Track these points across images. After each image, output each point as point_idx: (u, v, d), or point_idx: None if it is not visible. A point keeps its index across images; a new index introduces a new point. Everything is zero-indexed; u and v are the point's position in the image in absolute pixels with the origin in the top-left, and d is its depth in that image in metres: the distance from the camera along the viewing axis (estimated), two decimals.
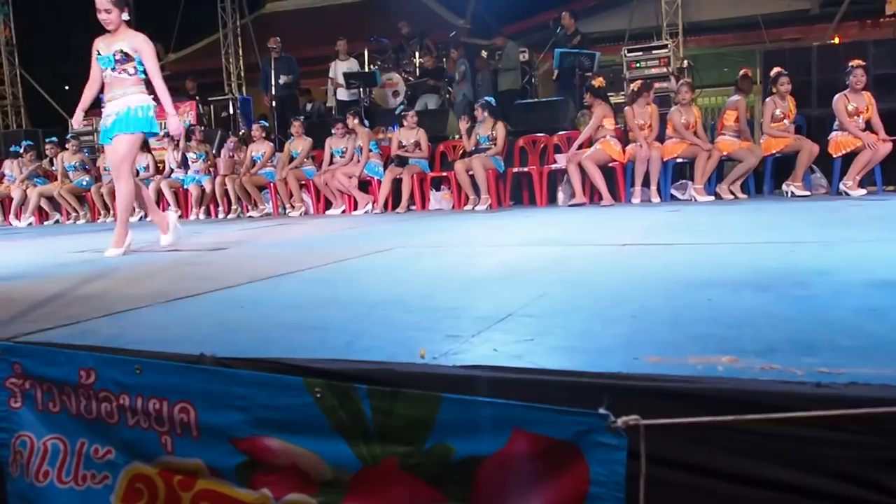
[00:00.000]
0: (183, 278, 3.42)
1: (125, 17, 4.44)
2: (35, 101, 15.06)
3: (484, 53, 11.21)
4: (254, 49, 13.58)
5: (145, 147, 10.02)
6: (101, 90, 4.59)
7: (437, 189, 8.68)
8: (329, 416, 1.55)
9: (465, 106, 10.02)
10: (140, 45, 4.47)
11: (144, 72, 4.50)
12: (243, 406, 1.64)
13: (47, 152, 10.32)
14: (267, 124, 10.07)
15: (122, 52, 4.42)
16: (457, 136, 9.31)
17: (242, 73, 14.98)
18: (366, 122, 9.14)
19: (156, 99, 4.63)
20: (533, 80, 11.24)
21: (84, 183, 9.74)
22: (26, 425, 1.92)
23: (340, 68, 10.81)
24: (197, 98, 11.88)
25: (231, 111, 11.78)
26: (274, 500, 1.63)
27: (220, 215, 9.16)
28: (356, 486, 1.56)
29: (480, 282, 2.84)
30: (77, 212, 9.79)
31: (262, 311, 2.41)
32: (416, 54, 11.35)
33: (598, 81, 7.90)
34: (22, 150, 10.18)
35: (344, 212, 8.54)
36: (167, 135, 10.06)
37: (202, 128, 10.22)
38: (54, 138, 10.54)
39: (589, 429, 1.33)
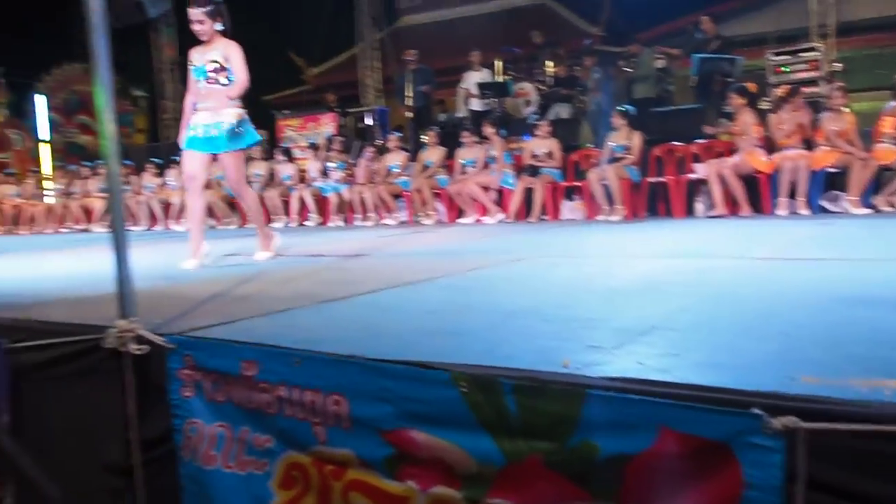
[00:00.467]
0: (327, 282, 3.60)
1: (218, 27, 4.38)
2: None
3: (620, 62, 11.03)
4: (390, 61, 14.04)
5: (288, 157, 10.61)
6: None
7: (570, 199, 8.62)
8: (475, 410, 1.60)
9: (598, 115, 9.90)
10: (231, 53, 4.38)
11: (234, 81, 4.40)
12: (391, 398, 1.72)
13: None
14: (402, 134, 10.37)
15: (214, 62, 4.36)
16: (589, 146, 9.22)
17: (379, 85, 15.51)
18: (503, 131, 9.23)
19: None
20: (670, 88, 10.93)
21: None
22: (196, 413, 2.10)
23: (473, 79, 10.97)
24: (337, 109, 12.42)
25: (369, 122, 12.23)
26: (420, 492, 1.70)
27: (358, 222, 9.53)
28: (501, 481, 1.59)
29: (618, 293, 2.81)
30: (230, 217, 10.50)
31: (404, 316, 2.52)
32: (549, 63, 11.33)
33: (752, 86, 7.58)
34: (168, 161, 11.05)
35: (476, 221, 8.66)
36: (312, 145, 10.61)
37: (342, 138, 10.68)
38: None
39: (742, 429, 1.30)
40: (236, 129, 4.36)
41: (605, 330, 2.05)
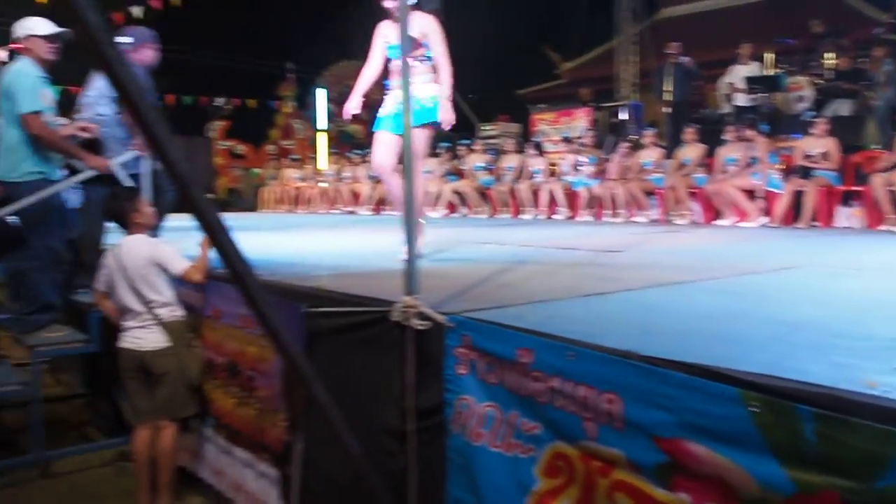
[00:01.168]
0: (586, 277, 3.59)
1: (412, 0, 3.86)
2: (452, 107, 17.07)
3: None
4: (648, 55, 13.63)
5: (539, 150, 10.72)
6: (386, 76, 4.23)
7: (847, 205, 7.75)
8: (764, 432, 1.50)
9: (887, 112, 8.77)
10: (427, 27, 4.01)
11: (432, 58, 4.09)
12: (671, 407, 1.67)
13: (459, 153, 11.66)
14: (657, 130, 10.02)
15: (410, 38, 3.95)
16: (874, 147, 8.21)
17: (636, 80, 15.12)
18: (764, 129, 8.56)
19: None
20: None
21: (487, 181, 10.78)
22: (468, 390, 2.21)
23: (741, 72, 10.26)
24: (591, 104, 12.32)
25: (623, 117, 11.98)
26: None
27: (607, 218, 9.40)
28: None
29: None
30: (481, 206, 10.90)
31: (674, 318, 2.43)
32: (828, 55, 10.26)
33: None
34: (440, 151, 11.67)
35: (734, 223, 8.12)
36: (566, 138, 10.64)
37: (594, 133, 10.58)
38: (466, 141, 11.87)
39: None
40: (421, 105, 4.04)
41: None
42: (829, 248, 5.37)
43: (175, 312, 3.76)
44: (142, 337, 3.68)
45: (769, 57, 10.73)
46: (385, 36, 4.15)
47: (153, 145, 1.25)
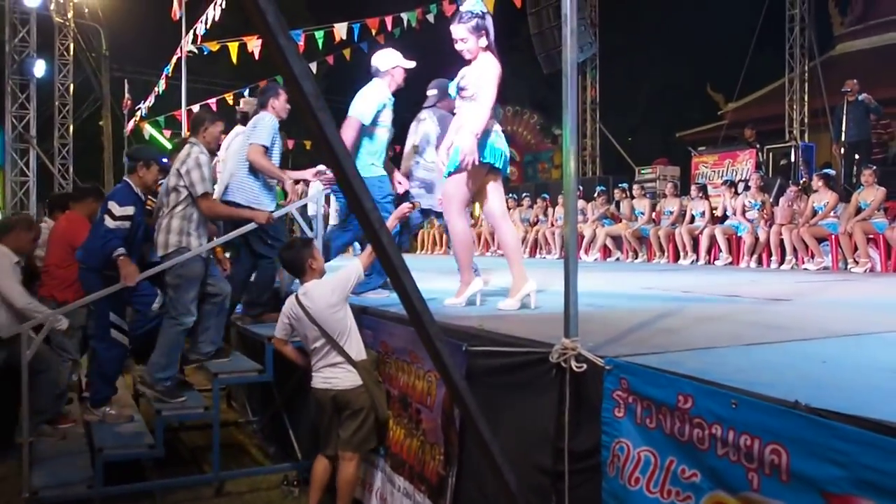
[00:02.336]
0: (751, 325, 3.47)
1: (482, 42, 3.87)
2: (607, 150, 17.00)
3: None
4: (821, 92, 12.91)
5: (703, 193, 10.39)
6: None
7: None
8: None
9: None
10: (483, 67, 3.88)
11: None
12: (843, 462, 1.61)
13: (616, 196, 11.55)
14: (832, 172, 9.43)
15: (464, 78, 3.96)
16: None
17: (806, 119, 14.34)
18: None
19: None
20: None
21: (645, 230, 10.56)
22: (625, 434, 2.22)
23: None
24: (756, 146, 11.81)
25: (791, 159, 11.38)
26: None
27: (773, 265, 8.92)
28: None
29: None
30: (636, 252, 10.69)
31: (849, 370, 2.32)
32: None
33: None
34: (596, 195, 11.61)
35: None
36: (729, 182, 10.25)
37: (760, 175, 10.12)
38: (624, 184, 11.74)
39: None
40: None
41: None
42: None
43: (362, 352, 3.91)
44: (336, 376, 3.83)
45: None
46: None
47: (350, 195, 1.42)
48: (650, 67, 23.89)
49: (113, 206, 4.41)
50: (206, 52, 10.72)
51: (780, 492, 1.76)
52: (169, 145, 16.08)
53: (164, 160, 5.05)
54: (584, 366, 2.34)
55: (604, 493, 2.30)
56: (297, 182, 5.39)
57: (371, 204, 1.44)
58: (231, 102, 12.09)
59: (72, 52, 14.79)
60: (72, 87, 14.83)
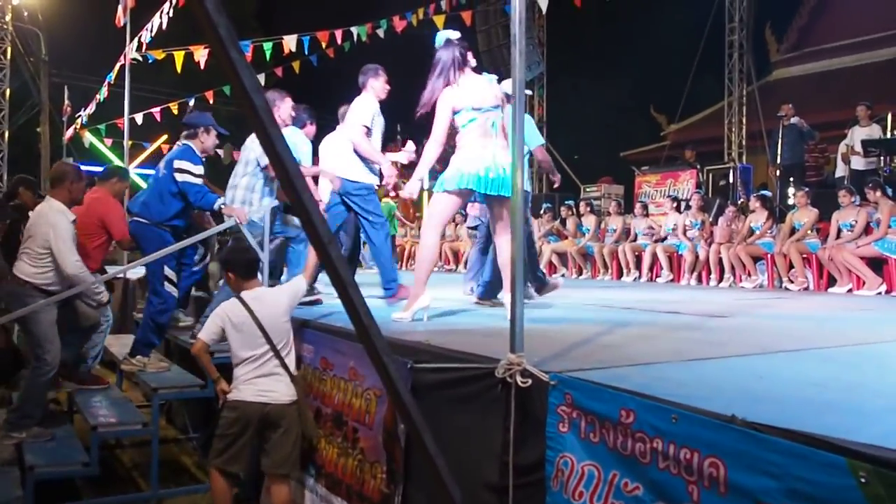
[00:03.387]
0: (690, 341, 3.56)
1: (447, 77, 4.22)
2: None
3: None
4: (758, 116, 13.37)
5: (645, 212, 10.62)
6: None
7: None
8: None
9: None
10: (501, 91, 4.29)
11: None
12: (777, 474, 1.66)
13: (562, 213, 11.72)
14: (769, 194, 9.77)
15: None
16: None
17: (744, 142, 14.83)
18: (888, 191, 8.18)
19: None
20: None
21: (590, 248, 10.73)
22: (570, 448, 2.24)
23: (858, 135, 9.90)
24: (697, 166, 12.15)
25: (730, 179, 11.74)
26: None
27: (713, 282, 9.17)
28: None
29: None
30: (581, 268, 10.85)
31: (783, 385, 2.40)
32: None
33: None
34: (542, 212, 11.75)
35: (850, 291, 7.75)
36: (673, 198, 10.48)
37: (700, 195, 10.41)
38: (570, 201, 11.92)
39: None
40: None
41: None
42: None
43: (294, 367, 3.82)
44: (273, 389, 3.67)
45: (891, 118, 10.30)
46: (453, 102, 4.17)
47: (300, 210, 1.41)
48: (597, 88, 24.43)
49: (188, 166, 4.92)
50: (150, 61, 10.48)
51: (718, 503, 1.80)
52: (110, 154, 15.68)
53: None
54: (530, 381, 2.36)
55: None
56: (393, 164, 5.43)
57: (320, 218, 1.43)
58: (175, 112, 11.85)
59: (9, 56, 14.32)
60: (8, 91, 14.34)
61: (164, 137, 13.95)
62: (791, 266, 8.39)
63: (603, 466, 2.14)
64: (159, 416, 4.92)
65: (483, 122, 4.15)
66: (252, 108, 1.32)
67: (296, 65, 11.71)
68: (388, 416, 3.21)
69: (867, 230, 7.94)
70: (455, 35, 4.33)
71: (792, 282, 8.33)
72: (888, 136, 9.90)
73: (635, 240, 10.27)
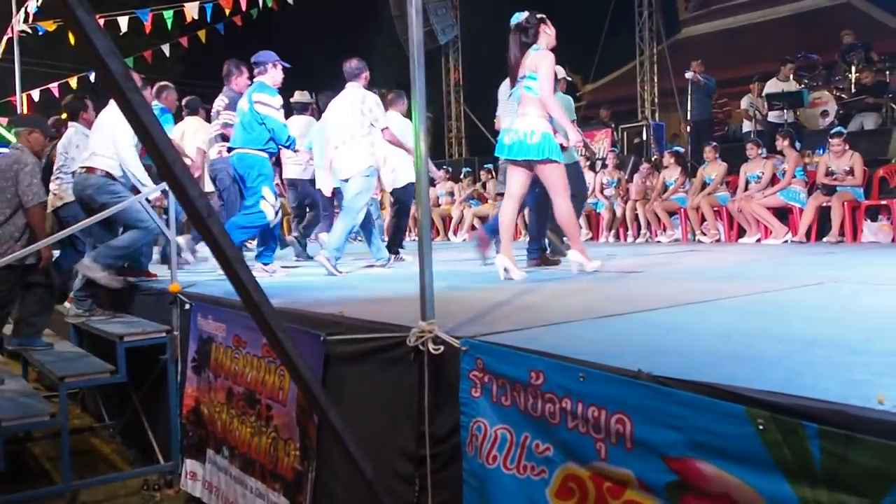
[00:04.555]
0: (605, 298, 3.61)
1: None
2: (474, 133, 17.24)
3: None
4: (669, 74, 13.65)
5: None
6: None
7: (873, 220, 7.66)
8: (771, 450, 1.51)
9: None
10: (539, 60, 4.60)
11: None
12: (679, 426, 1.68)
13: (482, 177, 11.73)
14: (681, 150, 10.02)
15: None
16: None
17: (656, 100, 15.14)
18: (797, 144, 8.50)
19: None
20: None
21: None
22: (482, 413, 2.23)
23: (772, 88, 10.23)
24: (612, 125, 12.34)
25: (644, 137, 11.98)
26: None
27: (630, 239, 9.38)
28: None
29: None
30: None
31: (690, 337, 2.44)
32: (853, 69, 10.21)
33: None
34: (462, 176, 11.74)
35: (759, 240, 8.06)
36: (587, 160, 10.62)
37: (616, 153, 10.60)
38: (490, 165, 11.93)
39: None
40: (531, 140, 4.38)
41: None
42: (853, 263, 5.31)
43: None
44: None
45: (790, 72, 10.65)
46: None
47: (173, 184, 1.32)
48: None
49: (266, 98, 5.46)
50: (41, 32, 9.85)
51: (625, 460, 1.82)
52: (6, 133, 14.73)
53: None
54: (441, 347, 2.33)
55: (464, 474, 2.31)
56: None
57: (197, 192, 1.34)
58: (74, 86, 11.21)
59: None
60: None
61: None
62: (703, 219, 8.66)
63: (515, 429, 2.14)
64: (68, 405, 4.71)
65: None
66: (108, 74, 1.21)
67: (202, 34, 11.25)
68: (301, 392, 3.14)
69: (773, 181, 8.26)
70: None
71: (705, 234, 8.61)
72: (791, 89, 10.25)
73: None
